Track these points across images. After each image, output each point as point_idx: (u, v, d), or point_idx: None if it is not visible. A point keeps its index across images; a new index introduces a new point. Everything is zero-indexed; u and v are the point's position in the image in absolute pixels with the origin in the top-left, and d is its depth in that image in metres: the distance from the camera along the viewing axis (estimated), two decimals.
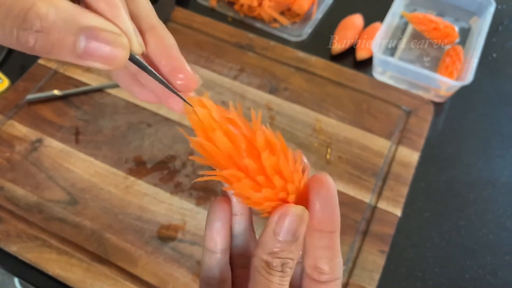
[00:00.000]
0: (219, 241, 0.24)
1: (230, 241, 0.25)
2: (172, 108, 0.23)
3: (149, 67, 0.21)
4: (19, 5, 0.17)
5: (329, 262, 0.22)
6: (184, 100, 0.22)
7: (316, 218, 0.22)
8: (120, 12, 0.19)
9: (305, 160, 0.24)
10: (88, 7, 0.19)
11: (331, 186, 0.22)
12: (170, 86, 0.22)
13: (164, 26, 0.23)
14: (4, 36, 0.17)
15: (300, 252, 0.24)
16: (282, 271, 0.22)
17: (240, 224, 0.26)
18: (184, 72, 0.22)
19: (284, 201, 0.23)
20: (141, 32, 0.22)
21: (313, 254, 0.23)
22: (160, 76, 0.22)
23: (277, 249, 0.22)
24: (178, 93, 0.22)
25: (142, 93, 0.25)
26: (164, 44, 0.22)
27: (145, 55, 0.22)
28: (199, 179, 0.23)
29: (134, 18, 0.21)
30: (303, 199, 0.23)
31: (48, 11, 0.17)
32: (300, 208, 0.22)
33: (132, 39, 0.20)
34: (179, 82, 0.22)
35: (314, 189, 0.22)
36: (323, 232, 0.22)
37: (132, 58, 0.20)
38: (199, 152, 0.22)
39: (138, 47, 0.20)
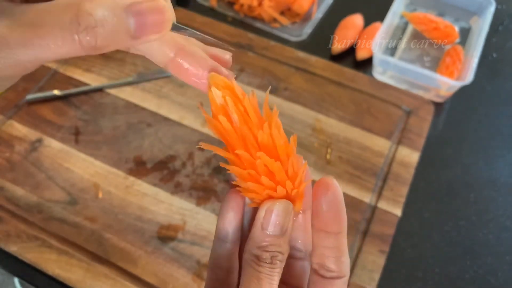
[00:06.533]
0: (230, 232, 0.25)
1: (241, 233, 0.26)
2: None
3: (185, 27, 0.22)
4: (68, 13, 0.18)
5: (336, 261, 0.23)
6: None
7: (322, 220, 0.23)
8: None
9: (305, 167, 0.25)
10: None
11: (337, 189, 0.23)
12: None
13: (189, 41, 0.24)
14: (69, 47, 0.18)
15: (304, 249, 0.25)
16: (271, 263, 0.22)
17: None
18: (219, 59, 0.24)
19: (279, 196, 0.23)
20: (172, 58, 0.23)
21: (320, 253, 0.24)
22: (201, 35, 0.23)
23: (266, 243, 0.22)
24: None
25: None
26: (196, 60, 0.23)
27: (184, 74, 0.23)
28: (207, 147, 0.24)
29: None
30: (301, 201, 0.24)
31: (94, 5, 0.18)
32: (285, 202, 0.23)
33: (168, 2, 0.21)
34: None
35: (320, 192, 0.23)
36: (330, 233, 0.23)
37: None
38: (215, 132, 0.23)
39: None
